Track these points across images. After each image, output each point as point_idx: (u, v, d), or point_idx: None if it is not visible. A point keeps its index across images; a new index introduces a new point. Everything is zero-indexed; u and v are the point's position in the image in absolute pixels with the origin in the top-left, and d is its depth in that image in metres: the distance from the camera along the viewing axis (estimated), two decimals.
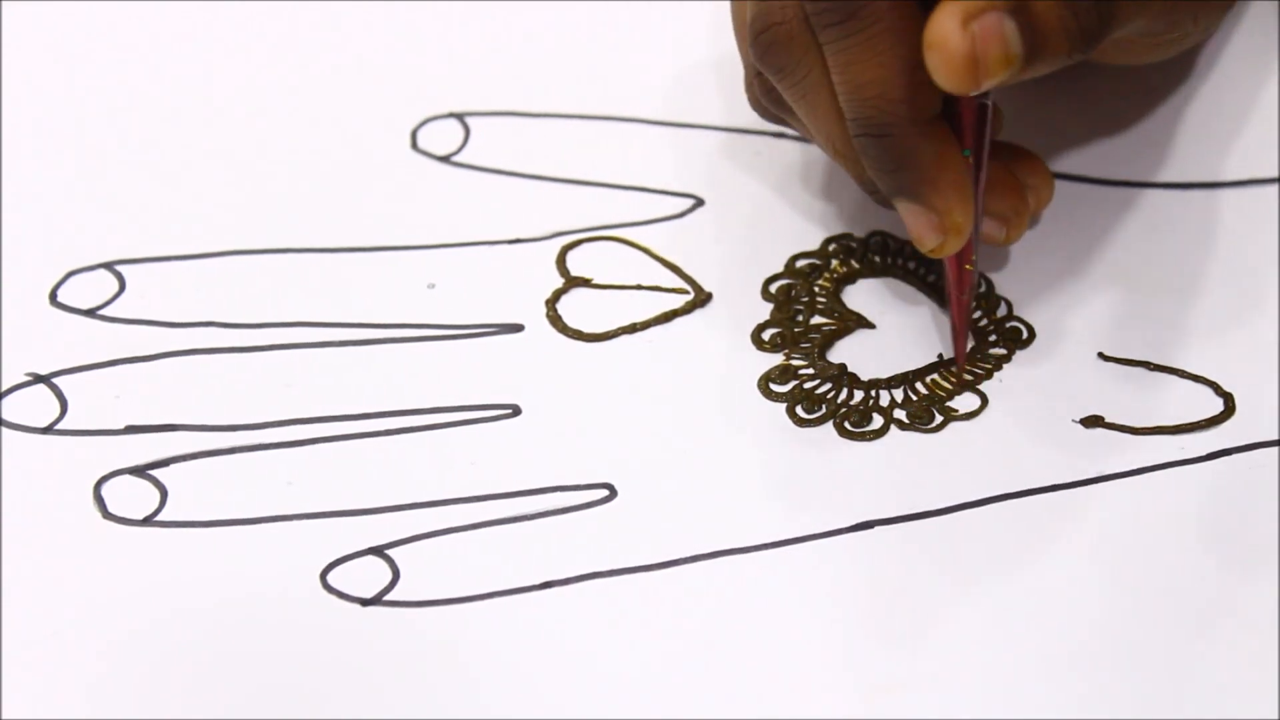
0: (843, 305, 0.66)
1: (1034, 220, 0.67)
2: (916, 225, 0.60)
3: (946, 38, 0.55)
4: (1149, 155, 0.70)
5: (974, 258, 0.62)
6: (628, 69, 0.74)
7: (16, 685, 0.57)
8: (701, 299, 0.66)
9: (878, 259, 0.67)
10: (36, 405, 0.63)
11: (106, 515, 0.60)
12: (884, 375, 0.64)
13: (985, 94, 0.58)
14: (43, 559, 0.59)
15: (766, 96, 0.64)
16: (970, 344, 0.64)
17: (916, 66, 0.56)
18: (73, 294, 0.67)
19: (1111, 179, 0.69)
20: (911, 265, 0.67)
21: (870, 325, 0.65)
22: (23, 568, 0.59)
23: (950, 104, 0.59)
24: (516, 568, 0.59)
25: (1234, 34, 0.73)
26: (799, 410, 0.63)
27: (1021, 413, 0.63)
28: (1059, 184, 0.69)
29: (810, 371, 0.64)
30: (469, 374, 0.64)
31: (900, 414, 0.63)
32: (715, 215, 0.69)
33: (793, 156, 0.70)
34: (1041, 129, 0.71)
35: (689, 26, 0.75)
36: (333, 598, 0.58)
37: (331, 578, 0.59)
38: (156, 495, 0.61)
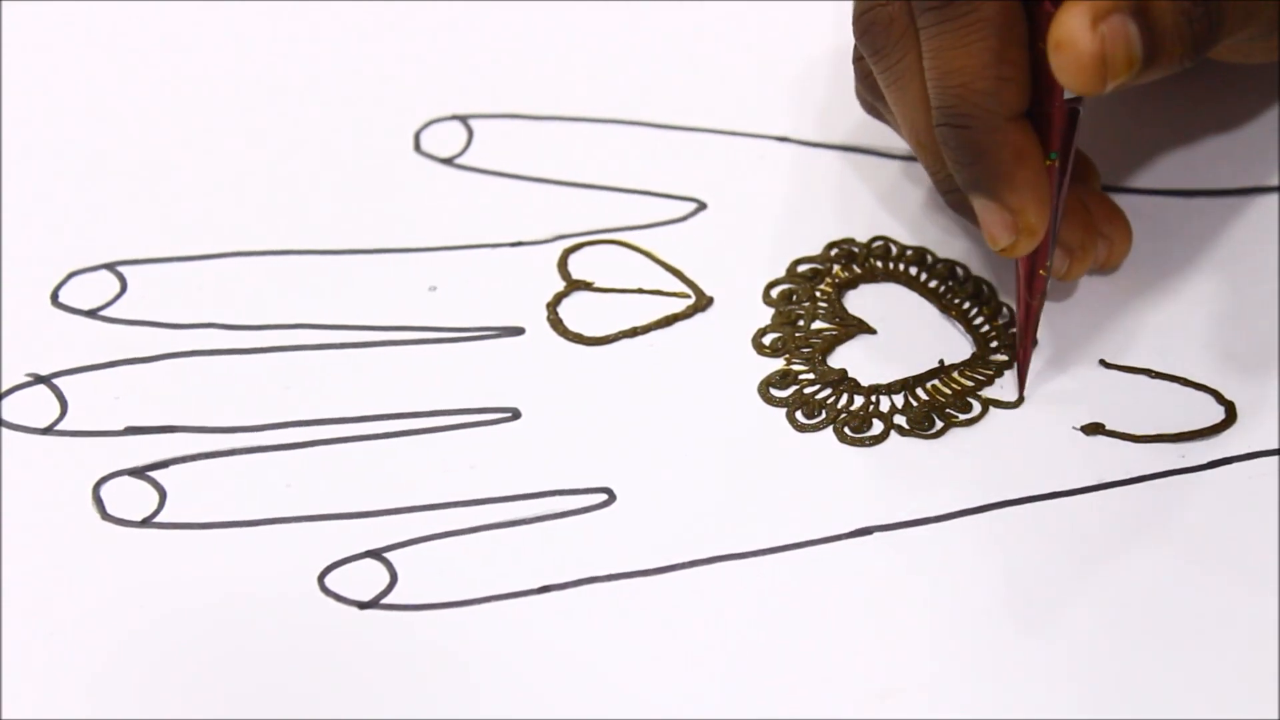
0: (844, 310, 0.66)
1: (1109, 270, 0.66)
2: (990, 222, 0.60)
3: (1076, 38, 0.55)
4: (1151, 163, 0.70)
5: (1049, 263, 0.61)
6: (631, 72, 0.74)
7: (16, 685, 0.57)
8: (703, 303, 0.66)
9: (879, 264, 0.67)
10: (37, 406, 0.63)
11: (105, 516, 0.60)
12: (884, 381, 0.64)
13: (1078, 99, 0.58)
14: (42, 559, 0.59)
15: (864, 82, 0.65)
16: (972, 350, 0.64)
17: (1006, 61, 0.57)
18: (74, 294, 0.67)
19: (1114, 186, 0.69)
20: (913, 271, 0.67)
21: (871, 331, 0.65)
22: (22, 568, 0.59)
23: (1038, 107, 0.59)
24: (515, 572, 0.59)
25: None
26: (799, 415, 0.63)
27: (1022, 419, 0.62)
28: None
29: (811, 376, 0.64)
30: (469, 377, 0.64)
31: (900, 420, 0.62)
32: (717, 219, 0.69)
33: (796, 161, 0.70)
34: None
35: (693, 29, 0.75)
36: (330, 600, 0.58)
37: (329, 580, 0.59)
38: (155, 496, 0.61)
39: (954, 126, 0.59)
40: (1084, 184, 0.65)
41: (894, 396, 0.63)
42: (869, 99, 0.65)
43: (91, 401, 0.63)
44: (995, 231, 0.60)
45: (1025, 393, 0.63)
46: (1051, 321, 0.65)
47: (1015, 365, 0.64)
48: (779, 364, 0.64)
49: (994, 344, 0.64)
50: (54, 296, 0.67)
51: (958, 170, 0.60)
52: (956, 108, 0.59)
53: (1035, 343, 0.63)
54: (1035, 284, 0.62)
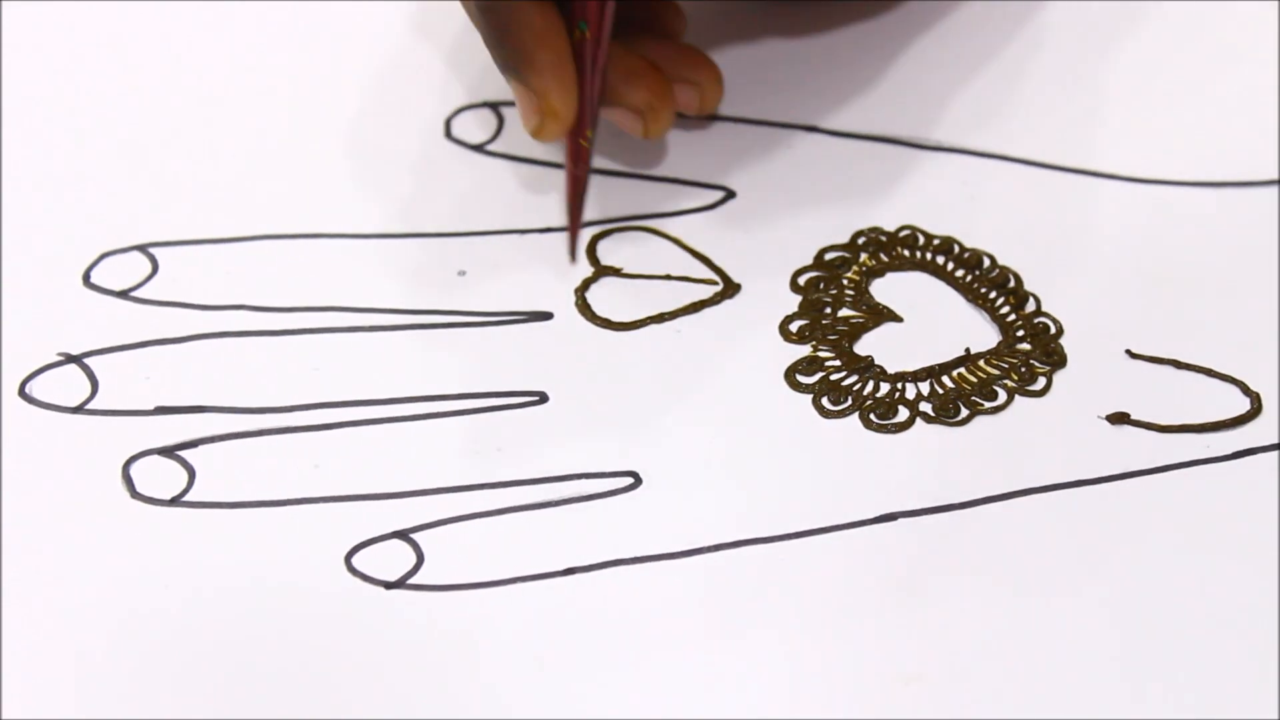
0: (871, 298, 0.66)
1: (705, 114, 0.69)
2: (520, 104, 0.62)
3: None
4: (1185, 153, 0.70)
5: (590, 133, 0.63)
6: None
7: (44, 661, 0.57)
8: (730, 290, 0.66)
9: (906, 253, 0.67)
10: (67, 385, 0.64)
11: (134, 495, 0.61)
12: (911, 368, 0.64)
13: None
14: (71, 537, 0.60)
15: None
16: (998, 339, 0.64)
17: None
18: (106, 275, 0.67)
19: (1145, 178, 0.69)
20: (940, 260, 0.67)
21: (898, 319, 0.65)
22: (50, 546, 0.60)
23: None
24: (540, 554, 0.59)
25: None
26: (825, 402, 0.63)
27: (1047, 408, 0.63)
28: (1095, 181, 0.69)
29: (837, 363, 0.64)
30: (497, 361, 0.64)
31: (926, 407, 0.63)
32: (746, 207, 0.69)
33: (824, 150, 0.71)
34: (1080, 129, 0.71)
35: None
36: (357, 580, 0.59)
37: (356, 560, 0.59)
38: (184, 476, 0.61)
39: (480, 5, 0.61)
40: (664, 37, 0.67)
41: (920, 384, 0.63)
42: None
43: (122, 381, 0.64)
44: (525, 113, 0.62)
45: (576, 258, 0.66)
46: (1077, 310, 0.65)
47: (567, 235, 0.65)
48: (806, 350, 0.65)
49: (1020, 333, 0.65)
50: (86, 277, 0.67)
51: (491, 52, 0.62)
52: None
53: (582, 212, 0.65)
54: (580, 155, 0.63)
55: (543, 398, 0.63)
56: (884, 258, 0.67)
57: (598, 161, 0.70)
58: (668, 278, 0.67)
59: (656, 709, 0.56)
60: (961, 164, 0.70)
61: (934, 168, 0.70)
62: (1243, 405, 0.62)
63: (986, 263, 0.67)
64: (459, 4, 0.63)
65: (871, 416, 0.62)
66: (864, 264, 0.67)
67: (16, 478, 0.61)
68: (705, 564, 0.59)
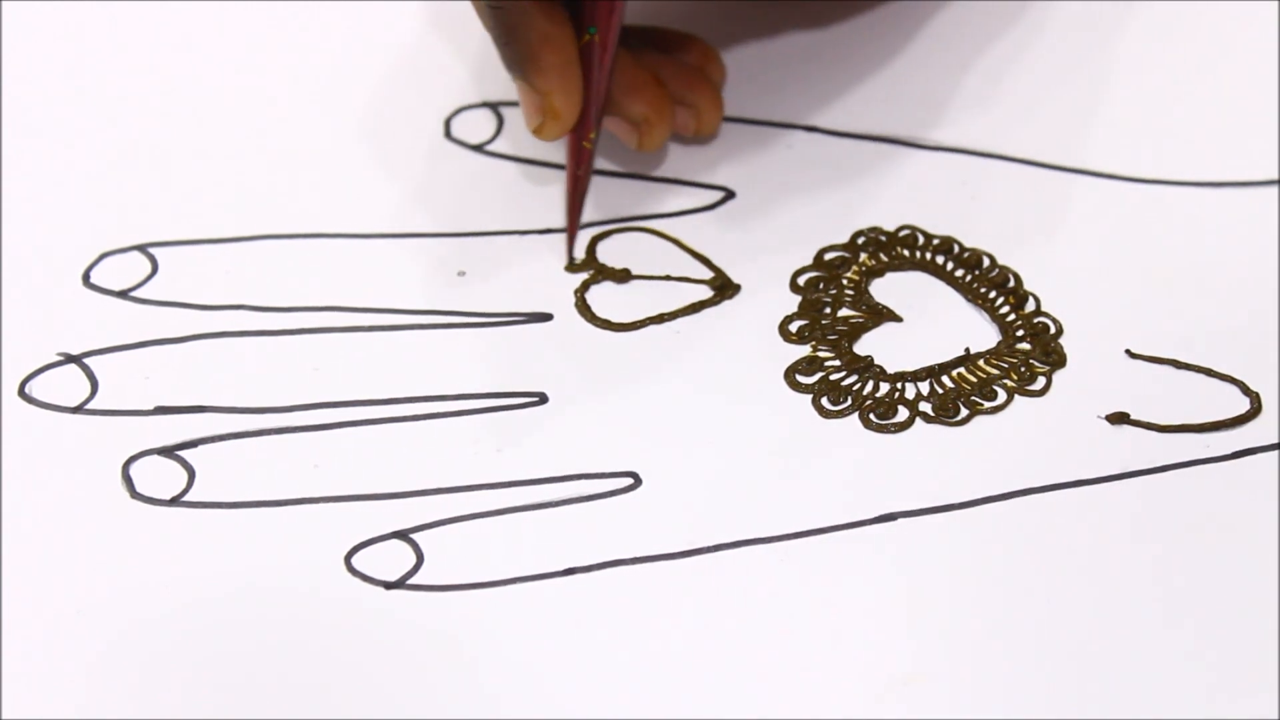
0: (870, 298, 0.66)
1: (705, 139, 0.70)
2: (524, 102, 0.64)
3: None
4: (1185, 153, 0.70)
5: (593, 135, 0.65)
6: None
7: (42, 662, 0.57)
8: (730, 290, 0.66)
9: (906, 253, 0.67)
10: (67, 385, 0.64)
11: (134, 495, 0.61)
12: (910, 368, 0.64)
13: None
14: (70, 537, 0.60)
15: None
16: (997, 339, 0.64)
17: None
18: (105, 275, 0.67)
19: (1145, 177, 0.69)
20: (940, 260, 0.67)
21: (897, 318, 0.65)
22: (50, 546, 0.60)
23: None
24: (540, 554, 0.59)
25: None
26: (825, 402, 0.63)
27: (1047, 408, 0.63)
28: (1095, 181, 0.69)
29: (837, 363, 0.64)
30: (497, 361, 0.64)
31: (926, 407, 0.63)
32: (745, 207, 0.69)
33: (823, 150, 0.71)
34: (1081, 129, 0.71)
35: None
36: (357, 580, 0.59)
37: (356, 561, 0.59)
38: (184, 476, 0.61)
39: (492, 6, 0.62)
40: (672, 54, 0.69)
41: (920, 384, 0.63)
42: None
43: (122, 381, 0.64)
44: (527, 112, 0.64)
45: (573, 258, 0.67)
46: (1077, 310, 0.65)
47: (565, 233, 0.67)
48: (805, 351, 0.65)
49: (1020, 333, 0.65)
50: (85, 277, 0.67)
51: (498, 51, 0.63)
52: None
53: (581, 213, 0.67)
54: (581, 157, 0.65)
55: (543, 398, 0.63)
56: (884, 258, 0.67)
57: (599, 161, 0.70)
58: (667, 278, 0.67)
59: (656, 709, 0.56)
60: (961, 164, 0.70)
61: (934, 168, 0.70)
62: (1243, 405, 0.62)
63: (986, 263, 0.67)
64: (458, 4, 0.63)
65: (871, 416, 0.62)
66: (864, 264, 0.67)
67: (16, 478, 0.61)
68: (705, 564, 0.59)
